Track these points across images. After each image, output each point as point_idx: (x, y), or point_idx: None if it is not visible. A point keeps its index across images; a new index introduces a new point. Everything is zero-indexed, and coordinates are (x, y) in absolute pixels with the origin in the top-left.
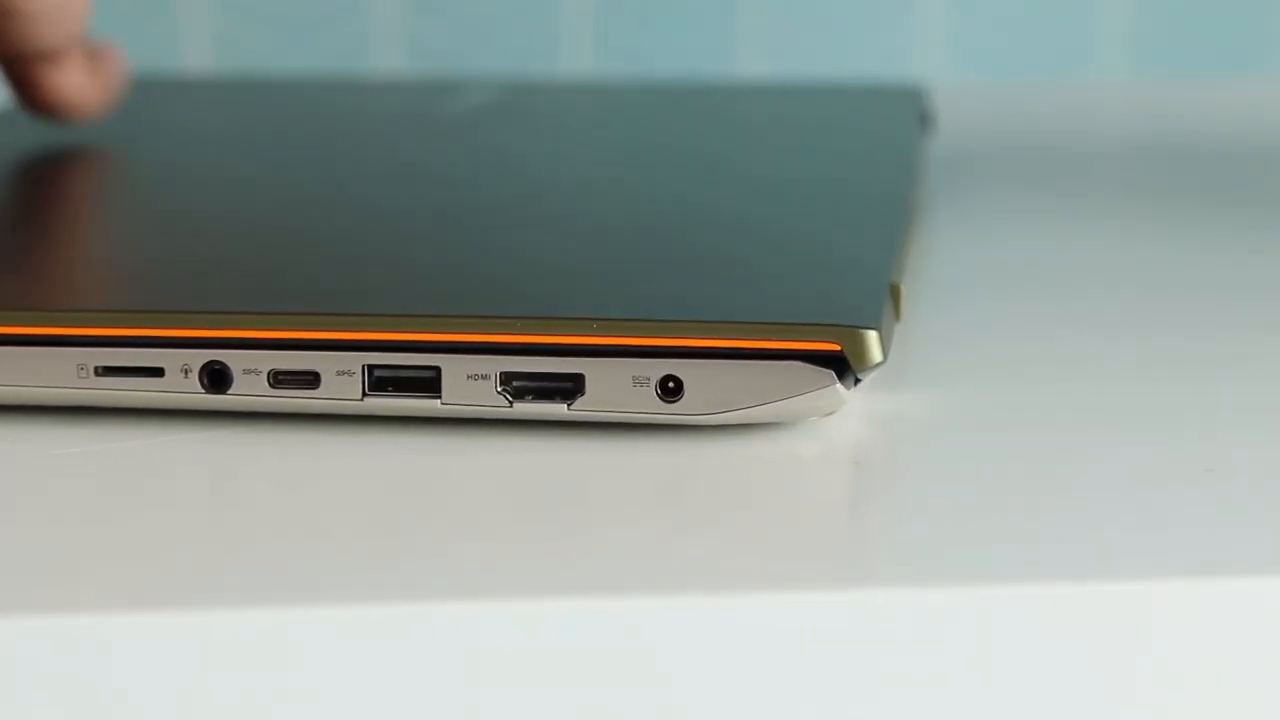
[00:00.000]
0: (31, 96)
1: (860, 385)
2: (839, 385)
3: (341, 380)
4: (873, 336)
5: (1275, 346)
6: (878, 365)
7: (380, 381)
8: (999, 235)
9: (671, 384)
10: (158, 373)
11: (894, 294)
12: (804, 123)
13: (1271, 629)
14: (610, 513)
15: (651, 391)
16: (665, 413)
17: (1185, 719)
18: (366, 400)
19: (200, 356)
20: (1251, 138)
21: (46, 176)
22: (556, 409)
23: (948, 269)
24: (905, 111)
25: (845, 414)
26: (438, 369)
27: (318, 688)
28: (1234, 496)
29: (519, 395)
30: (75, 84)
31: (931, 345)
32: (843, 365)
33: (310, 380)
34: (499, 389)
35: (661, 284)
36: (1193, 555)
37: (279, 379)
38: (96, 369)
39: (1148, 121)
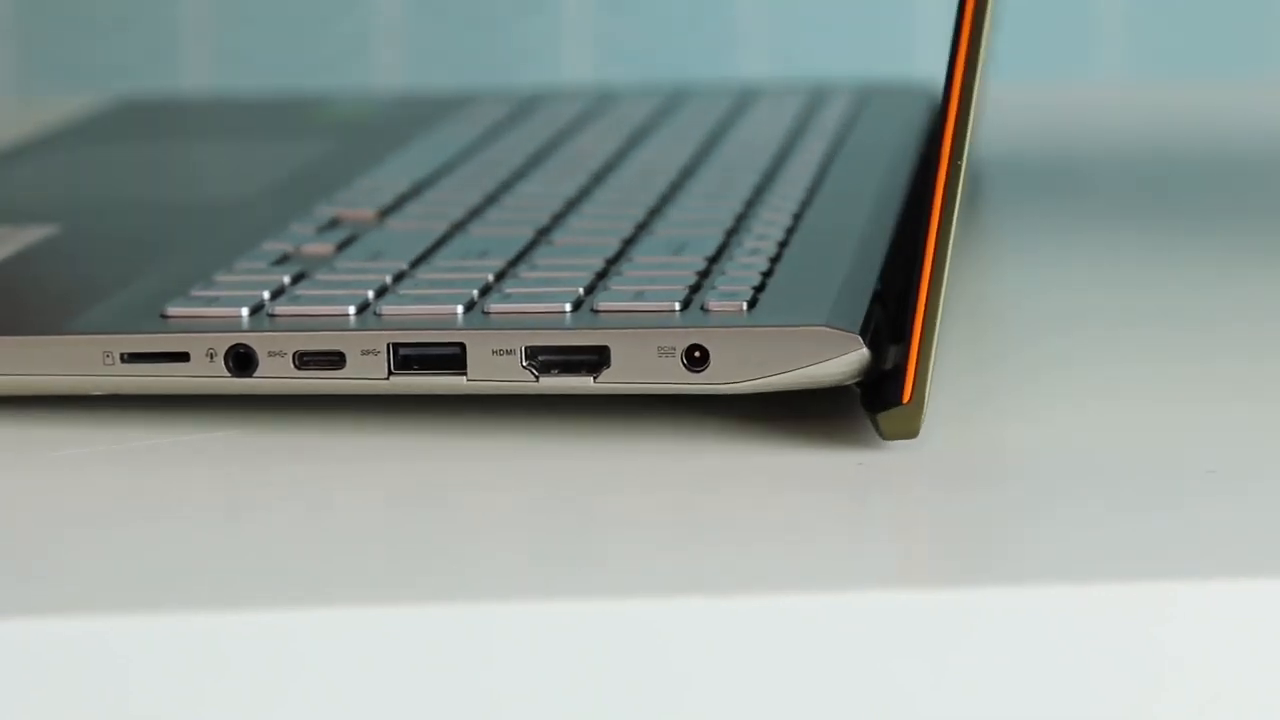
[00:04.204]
0: None
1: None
2: (865, 350)
3: (367, 360)
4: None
5: (1274, 345)
6: (907, 437)
7: (406, 360)
8: (999, 236)
9: (698, 353)
10: (183, 358)
11: None
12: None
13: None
14: (617, 518)
15: (678, 361)
16: (692, 382)
17: (1186, 717)
18: (392, 379)
19: (225, 340)
20: (1251, 138)
21: None
22: (583, 382)
23: (951, 272)
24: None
25: (850, 415)
26: (463, 345)
27: (324, 686)
28: (1235, 498)
29: (545, 369)
30: None
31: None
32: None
33: (335, 360)
34: (524, 364)
35: None
36: (1197, 557)
37: (304, 360)
38: (122, 355)
39: (1148, 122)
